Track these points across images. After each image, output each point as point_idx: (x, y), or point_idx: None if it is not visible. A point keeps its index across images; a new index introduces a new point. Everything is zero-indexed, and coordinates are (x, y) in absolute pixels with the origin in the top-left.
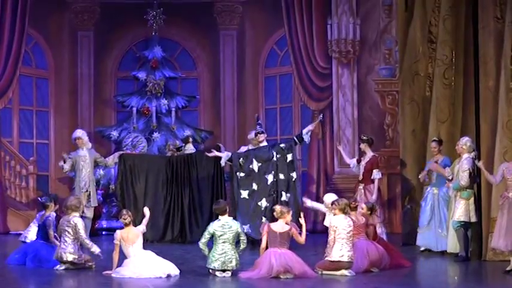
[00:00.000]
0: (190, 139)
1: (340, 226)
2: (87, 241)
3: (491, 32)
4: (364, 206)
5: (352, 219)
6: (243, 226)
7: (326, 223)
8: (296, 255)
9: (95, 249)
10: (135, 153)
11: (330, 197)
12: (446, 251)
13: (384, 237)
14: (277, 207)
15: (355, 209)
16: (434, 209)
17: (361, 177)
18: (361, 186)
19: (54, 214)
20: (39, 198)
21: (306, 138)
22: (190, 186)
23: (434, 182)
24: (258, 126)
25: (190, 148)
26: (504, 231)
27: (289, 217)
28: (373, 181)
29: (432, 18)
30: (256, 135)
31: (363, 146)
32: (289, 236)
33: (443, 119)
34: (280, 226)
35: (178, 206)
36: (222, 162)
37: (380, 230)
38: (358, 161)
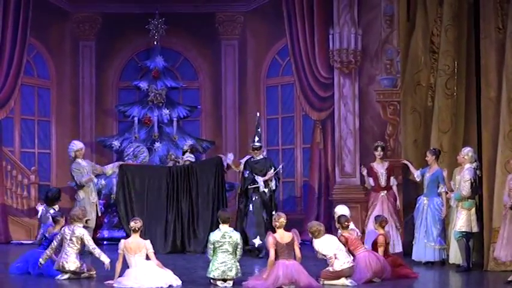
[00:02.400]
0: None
1: (327, 248)
2: (97, 250)
3: (492, 43)
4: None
5: (344, 236)
6: (253, 241)
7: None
8: (302, 266)
9: (104, 259)
10: (135, 163)
11: (342, 209)
12: (434, 261)
13: (400, 245)
14: (283, 216)
15: (346, 227)
16: (422, 219)
17: (384, 184)
18: (383, 193)
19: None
20: (51, 213)
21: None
22: (190, 196)
23: (425, 192)
24: (257, 137)
25: (188, 156)
26: (505, 241)
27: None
28: (390, 188)
29: (434, 28)
30: (254, 150)
31: (382, 153)
32: (294, 245)
33: (445, 129)
34: (285, 236)
35: (179, 217)
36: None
37: (397, 238)
38: (369, 174)
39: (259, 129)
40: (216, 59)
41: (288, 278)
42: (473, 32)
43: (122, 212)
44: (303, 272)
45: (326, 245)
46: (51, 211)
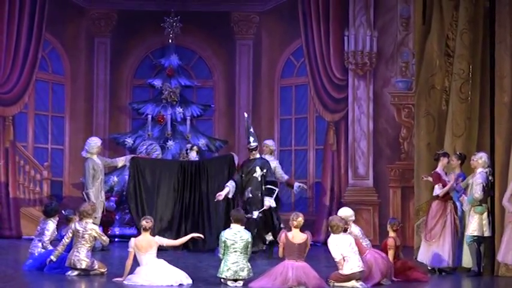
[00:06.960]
0: (195, 148)
1: (341, 245)
2: (105, 238)
3: (507, 48)
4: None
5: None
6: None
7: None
8: (312, 268)
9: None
10: (146, 157)
11: (346, 211)
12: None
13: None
14: (301, 215)
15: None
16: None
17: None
18: (450, 202)
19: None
20: (63, 211)
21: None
22: (201, 192)
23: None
24: (251, 137)
25: (193, 156)
26: (505, 244)
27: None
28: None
29: (450, 32)
30: (250, 150)
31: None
32: (307, 246)
33: (459, 133)
34: (297, 236)
35: (189, 212)
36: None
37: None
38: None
39: (251, 130)
40: (230, 58)
41: (297, 280)
42: (489, 37)
43: (132, 204)
44: (313, 274)
45: (338, 244)
46: (51, 224)
